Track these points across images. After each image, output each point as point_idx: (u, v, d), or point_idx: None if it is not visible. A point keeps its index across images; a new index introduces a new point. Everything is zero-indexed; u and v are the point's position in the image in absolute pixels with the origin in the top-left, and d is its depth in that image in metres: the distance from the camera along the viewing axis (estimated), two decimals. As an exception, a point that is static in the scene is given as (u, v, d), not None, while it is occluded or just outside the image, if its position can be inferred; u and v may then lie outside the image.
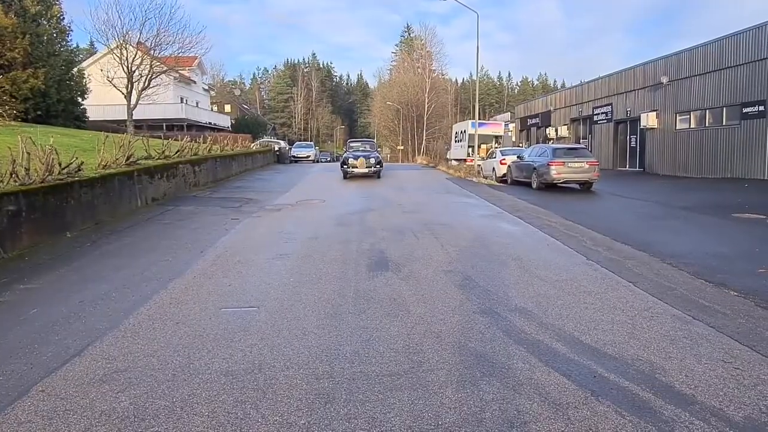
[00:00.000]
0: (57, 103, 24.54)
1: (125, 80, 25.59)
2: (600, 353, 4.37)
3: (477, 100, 30.45)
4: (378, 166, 22.06)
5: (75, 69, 27.49)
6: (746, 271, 7.00)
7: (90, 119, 28.83)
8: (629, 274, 6.90)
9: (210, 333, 4.76)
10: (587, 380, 3.88)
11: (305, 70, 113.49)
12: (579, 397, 3.63)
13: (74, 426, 3.25)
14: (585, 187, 18.09)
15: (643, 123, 25.67)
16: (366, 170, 21.62)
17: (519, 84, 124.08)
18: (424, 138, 61.90)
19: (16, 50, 21.77)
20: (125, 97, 25.95)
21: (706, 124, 22.41)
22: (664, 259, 7.72)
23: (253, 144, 37.11)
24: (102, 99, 30.87)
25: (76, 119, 26.73)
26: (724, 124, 21.31)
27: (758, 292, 6.03)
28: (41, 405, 3.51)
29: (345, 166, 21.80)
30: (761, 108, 19.24)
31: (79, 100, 27.11)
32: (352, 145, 25.82)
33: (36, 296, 5.92)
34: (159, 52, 27.54)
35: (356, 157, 21.94)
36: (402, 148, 63.00)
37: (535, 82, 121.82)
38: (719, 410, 3.46)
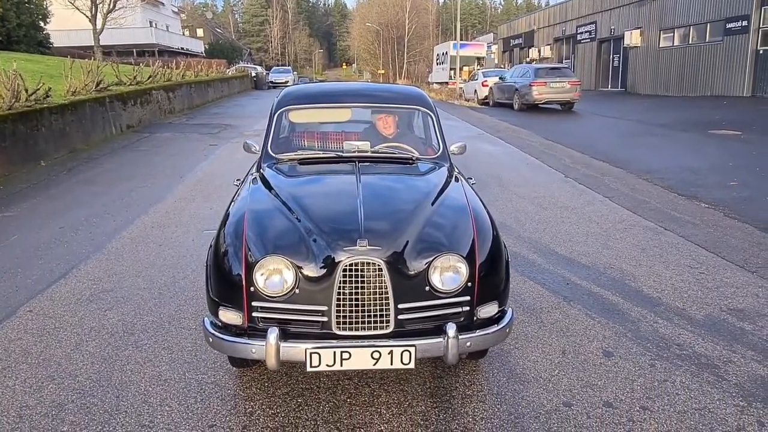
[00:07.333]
0: (18, 28, 23.19)
1: (88, 2, 24.20)
2: (574, 263, 4.54)
3: (459, 20, 29.53)
4: None
5: (33, -10, 25.78)
6: (718, 184, 7.18)
7: (54, 45, 27.35)
8: (606, 189, 7.05)
9: (194, 253, 4.82)
10: (560, 287, 4.05)
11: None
12: (552, 302, 3.81)
13: (65, 341, 3.34)
14: (566, 107, 18.03)
15: (626, 41, 25.22)
16: None
17: (502, 3, 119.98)
18: (405, 61, 60.36)
19: (-33, -31, 20.34)
20: (90, 20, 24.64)
21: (690, 42, 22.11)
22: (640, 174, 7.86)
23: (228, 70, 35.90)
24: (66, 24, 29.23)
25: (40, 45, 25.36)
26: (707, 40, 21.04)
27: (728, 203, 6.23)
28: (30, 324, 3.58)
29: None
30: (744, 23, 18.95)
31: (41, 24, 25.62)
32: None
33: (15, 223, 5.88)
34: (122, -30, 25.92)
35: None
36: (383, 72, 61.37)
37: (519, 1, 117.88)
38: (682, 310, 3.67)
